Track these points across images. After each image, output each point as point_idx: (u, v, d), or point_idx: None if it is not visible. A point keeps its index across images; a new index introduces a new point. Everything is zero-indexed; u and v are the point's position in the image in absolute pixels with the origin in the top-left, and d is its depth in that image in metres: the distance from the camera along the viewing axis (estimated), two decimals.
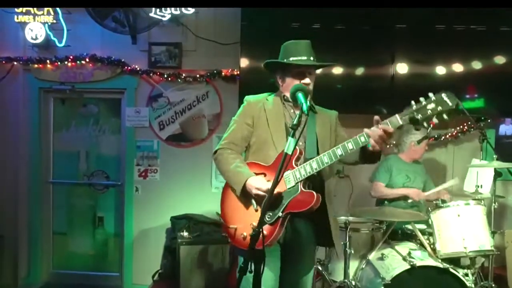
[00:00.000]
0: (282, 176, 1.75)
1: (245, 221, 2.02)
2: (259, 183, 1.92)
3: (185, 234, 3.66)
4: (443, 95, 1.69)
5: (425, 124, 1.71)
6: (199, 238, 3.65)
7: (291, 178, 1.95)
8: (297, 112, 1.95)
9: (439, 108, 1.68)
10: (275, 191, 1.75)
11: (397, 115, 1.78)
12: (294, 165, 1.96)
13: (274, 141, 2.07)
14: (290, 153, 1.60)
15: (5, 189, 4.29)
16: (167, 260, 3.85)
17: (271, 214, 1.93)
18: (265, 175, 2.03)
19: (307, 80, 2.08)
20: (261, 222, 1.64)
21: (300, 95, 1.85)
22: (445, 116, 1.68)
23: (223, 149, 2.15)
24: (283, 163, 1.61)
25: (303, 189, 1.93)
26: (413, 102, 1.73)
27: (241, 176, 2.00)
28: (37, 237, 4.32)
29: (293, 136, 1.63)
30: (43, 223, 4.39)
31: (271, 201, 1.70)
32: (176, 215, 4.00)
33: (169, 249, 3.87)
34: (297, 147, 1.83)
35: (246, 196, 2.00)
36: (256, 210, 1.99)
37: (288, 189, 1.94)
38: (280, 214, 1.93)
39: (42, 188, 4.38)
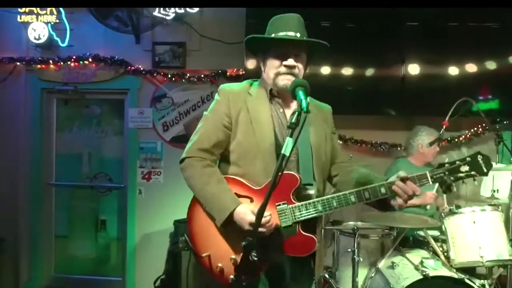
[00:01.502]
0: (273, 189, 1.38)
1: (220, 248, 1.67)
2: (251, 218, 1.51)
3: (187, 238, 3.54)
4: (479, 159, 1.59)
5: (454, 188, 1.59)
6: None
7: (289, 215, 1.61)
8: (287, 111, 1.76)
9: (473, 172, 1.58)
10: (271, 226, 1.54)
11: (428, 174, 1.59)
12: (292, 199, 1.62)
13: (262, 152, 1.67)
14: (288, 154, 1.36)
15: (6, 191, 4.22)
16: (169, 265, 3.75)
17: (258, 252, 1.46)
18: (251, 200, 1.65)
19: (290, 61, 1.68)
20: (246, 263, 1.39)
21: (300, 93, 1.52)
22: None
23: (193, 158, 1.72)
24: (280, 167, 1.35)
25: (302, 231, 1.61)
26: (447, 162, 1.61)
27: (223, 203, 1.61)
28: (38, 240, 4.25)
29: (291, 136, 1.38)
30: (45, 226, 4.32)
31: (264, 237, 1.49)
32: (179, 218, 3.89)
33: (172, 254, 3.77)
34: (296, 174, 1.62)
35: (225, 224, 1.62)
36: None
37: (283, 227, 1.61)
38: (272, 256, 1.60)
39: (44, 190, 4.31)
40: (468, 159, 1.58)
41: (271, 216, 1.54)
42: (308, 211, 1.60)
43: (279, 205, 1.61)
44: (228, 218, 1.59)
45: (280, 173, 1.35)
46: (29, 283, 4.25)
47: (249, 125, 1.71)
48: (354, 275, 2.76)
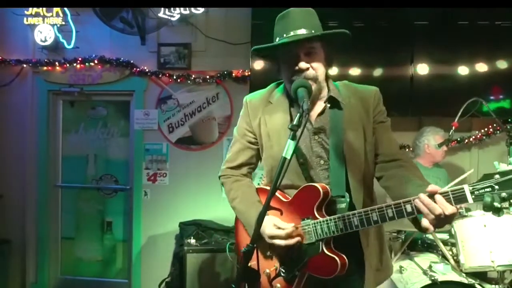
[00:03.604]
0: (276, 188, 1.34)
1: (265, 256, 1.63)
2: (274, 231, 1.48)
3: (192, 241, 3.52)
4: None
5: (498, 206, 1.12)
6: (207, 245, 3.51)
7: (312, 231, 1.48)
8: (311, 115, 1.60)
9: None
10: (294, 241, 1.47)
11: (466, 188, 1.19)
12: (316, 213, 1.48)
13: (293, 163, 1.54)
14: (288, 157, 1.30)
15: (13, 193, 4.23)
16: (175, 268, 3.72)
17: (286, 268, 1.52)
18: (281, 212, 1.57)
19: (301, 65, 1.50)
20: (244, 270, 1.37)
21: (301, 92, 1.43)
22: None
23: (224, 176, 1.75)
24: (280, 171, 1.30)
25: (325, 250, 1.47)
26: (497, 176, 1.16)
27: (249, 219, 1.57)
28: (45, 242, 4.26)
29: (293, 138, 1.31)
30: (51, 228, 4.32)
31: (288, 252, 1.45)
32: (185, 220, 3.87)
33: (177, 257, 3.74)
34: (318, 186, 1.47)
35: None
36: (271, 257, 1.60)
37: (306, 244, 1.50)
38: (296, 272, 1.50)
39: (50, 192, 4.31)
40: None
41: (293, 229, 1.47)
42: (329, 229, 1.45)
43: (304, 219, 1.51)
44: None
45: (280, 178, 1.30)
46: (35, 284, 4.26)
47: (267, 138, 1.62)
48: None
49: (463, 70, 3.59)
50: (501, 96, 3.61)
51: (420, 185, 1.37)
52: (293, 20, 1.53)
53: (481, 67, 3.58)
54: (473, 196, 1.18)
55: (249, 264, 1.49)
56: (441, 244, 2.77)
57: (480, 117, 3.45)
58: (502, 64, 3.59)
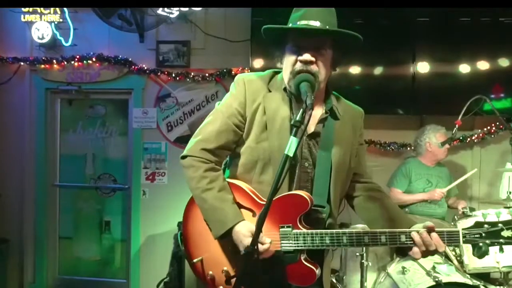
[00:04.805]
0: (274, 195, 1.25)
1: (214, 255, 1.53)
2: (249, 242, 1.31)
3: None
4: None
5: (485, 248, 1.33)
6: None
7: (292, 241, 1.41)
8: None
9: None
10: (268, 254, 1.38)
11: (460, 231, 1.35)
12: (298, 223, 1.42)
13: (274, 161, 1.46)
14: (291, 155, 1.22)
15: (10, 192, 4.19)
16: (173, 268, 3.68)
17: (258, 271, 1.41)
18: (253, 214, 1.47)
19: (307, 56, 1.42)
20: (245, 273, 1.28)
21: (304, 86, 1.37)
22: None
23: (196, 158, 1.52)
24: (282, 170, 1.21)
25: (303, 261, 1.43)
26: (486, 226, 1.35)
27: (222, 217, 1.44)
28: (43, 242, 4.21)
29: (295, 135, 1.23)
30: (49, 228, 4.28)
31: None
32: None
33: (176, 257, 3.70)
34: (306, 197, 1.40)
35: (221, 238, 1.48)
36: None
37: (283, 252, 1.43)
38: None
39: (48, 192, 4.27)
40: None
41: (270, 245, 1.38)
42: (313, 242, 1.41)
43: (283, 227, 1.42)
44: (225, 233, 1.44)
45: (283, 177, 1.23)
46: (33, 284, 4.22)
47: (263, 128, 1.48)
48: (363, 280, 2.67)
49: (464, 68, 3.56)
50: (503, 95, 3.57)
51: (410, 219, 1.51)
52: (311, 11, 1.45)
53: (483, 65, 3.54)
54: (464, 239, 1.35)
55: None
56: None
57: (483, 116, 3.42)
58: (504, 62, 3.55)
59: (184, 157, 1.56)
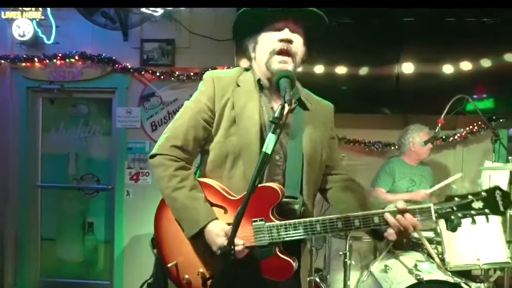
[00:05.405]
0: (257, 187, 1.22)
1: (189, 258, 1.49)
2: (223, 241, 1.34)
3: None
4: (497, 195, 1.32)
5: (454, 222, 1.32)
6: None
7: (266, 234, 1.40)
8: (276, 106, 1.53)
9: (487, 210, 1.31)
10: (243, 253, 1.36)
11: (432, 207, 1.34)
12: (271, 215, 1.41)
13: (243, 155, 1.46)
14: (269, 152, 1.20)
15: None
16: (157, 269, 3.64)
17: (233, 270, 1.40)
18: (225, 211, 1.46)
19: (287, 34, 1.47)
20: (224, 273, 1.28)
21: (283, 82, 1.38)
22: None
23: (166, 156, 1.50)
24: (260, 169, 1.20)
25: (279, 254, 1.41)
26: (456, 198, 1.34)
27: (195, 216, 1.42)
28: (24, 244, 4.13)
29: (274, 132, 1.22)
30: (31, 229, 4.20)
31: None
32: None
33: (159, 258, 3.66)
34: (277, 188, 1.39)
35: (194, 238, 1.45)
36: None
37: (257, 246, 1.41)
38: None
39: (30, 192, 4.19)
40: (483, 194, 1.32)
41: (243, 246, 1.37)
42: (287, 232, 1.39)
43: (256, 221, 1.40)
44: (198, 233, 1.42)
45: (261, 175, 1.22)
46: (14, 287, 4.14)
47: (232, 122, 1.49)
48: (346, 278, 2.68)
49: (448, 69, 3.60)
50: (485, 95, 3.62)
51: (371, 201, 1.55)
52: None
53: (466, 65, 3.59)
54: (436, 215, 1.34)
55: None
56: (426, 243, 2.75)
57: (466, 115, 3.45)
58: (486, 63, 3.60)
59: (153, 156, 1.54)
